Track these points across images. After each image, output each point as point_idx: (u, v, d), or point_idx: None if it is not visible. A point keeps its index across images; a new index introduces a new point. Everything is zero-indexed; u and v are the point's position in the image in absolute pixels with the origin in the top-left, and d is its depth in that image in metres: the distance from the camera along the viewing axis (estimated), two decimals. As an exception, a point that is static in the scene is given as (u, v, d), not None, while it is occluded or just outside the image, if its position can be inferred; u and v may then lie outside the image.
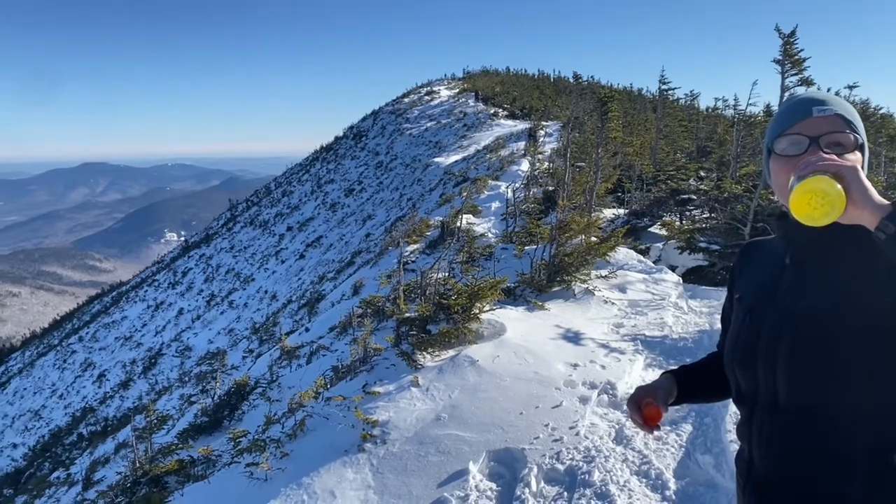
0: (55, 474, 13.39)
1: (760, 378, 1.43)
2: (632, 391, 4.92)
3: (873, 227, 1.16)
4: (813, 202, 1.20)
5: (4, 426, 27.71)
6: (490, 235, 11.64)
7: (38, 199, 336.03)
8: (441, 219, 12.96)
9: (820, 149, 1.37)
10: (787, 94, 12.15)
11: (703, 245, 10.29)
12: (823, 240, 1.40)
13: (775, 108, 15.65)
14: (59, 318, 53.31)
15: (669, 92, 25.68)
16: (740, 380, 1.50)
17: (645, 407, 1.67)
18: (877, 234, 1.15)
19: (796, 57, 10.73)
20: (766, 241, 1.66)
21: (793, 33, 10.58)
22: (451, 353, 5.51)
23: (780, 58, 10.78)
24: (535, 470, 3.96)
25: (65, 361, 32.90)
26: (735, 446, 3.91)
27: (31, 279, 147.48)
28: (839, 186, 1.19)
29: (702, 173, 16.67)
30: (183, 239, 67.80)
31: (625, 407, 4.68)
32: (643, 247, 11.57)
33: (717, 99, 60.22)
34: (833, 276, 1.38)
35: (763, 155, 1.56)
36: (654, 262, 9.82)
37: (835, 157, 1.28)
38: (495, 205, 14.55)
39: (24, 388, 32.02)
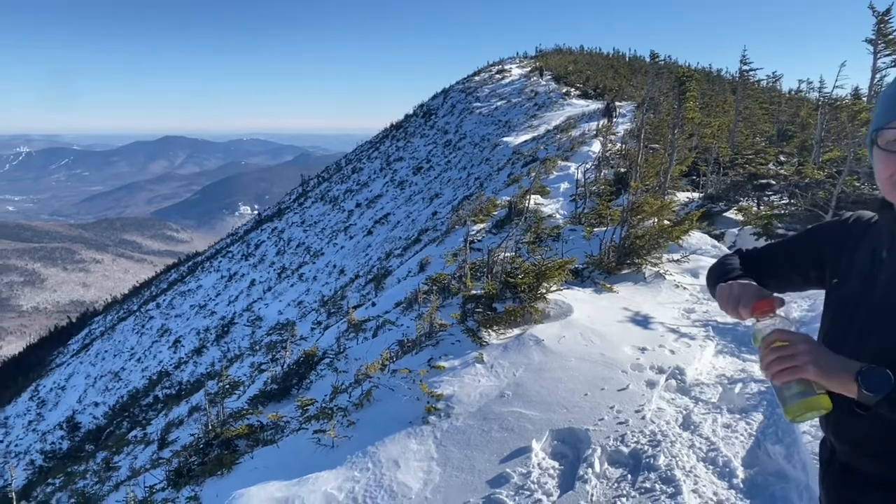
0: (133, 433, 14.07)
1: None
2: (700, 375, 4.78)
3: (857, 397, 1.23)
4: (810, 416, 1.31)
5: (87, 385, 29.25)
6: (558, 216, 11.53)
7: (121, 170, 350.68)
8: (508, 199, 12.92)
9: None
10: (878, 76, 11.53)
11: (780, 231, 9.96)
12: None
13: (864, 90, 14.90)
14: (138, 285, 55.75)
15: (750, 73, 24.74)
16: None
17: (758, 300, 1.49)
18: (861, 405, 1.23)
19: (891, 36, 10.19)
20: (872, 223, 1.51)
21: (888, 11, 10.05)
22: (516, 331, 5.50)
23: (873, 37, 10.26)
24: (599, 451, 3.93)
25: (143, 326, 34.41)
26: (808, 437, 3.80)
27: (113, 247, 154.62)
28: (819, 394, 1.27)
29: (782, 158, 16.05)
30: (256, 212, 69.59)
31: (693, 393, 4.59)
32: (718, 232, 11.26)
33: (800, 81, 57.68)
34: None
35: (868, 137, 1.41)
36: (728, 248, 9.54)
37: (787, 362, 1.26)
38: (564, 185, 14.38)
39: (106, 351, 33.68)
